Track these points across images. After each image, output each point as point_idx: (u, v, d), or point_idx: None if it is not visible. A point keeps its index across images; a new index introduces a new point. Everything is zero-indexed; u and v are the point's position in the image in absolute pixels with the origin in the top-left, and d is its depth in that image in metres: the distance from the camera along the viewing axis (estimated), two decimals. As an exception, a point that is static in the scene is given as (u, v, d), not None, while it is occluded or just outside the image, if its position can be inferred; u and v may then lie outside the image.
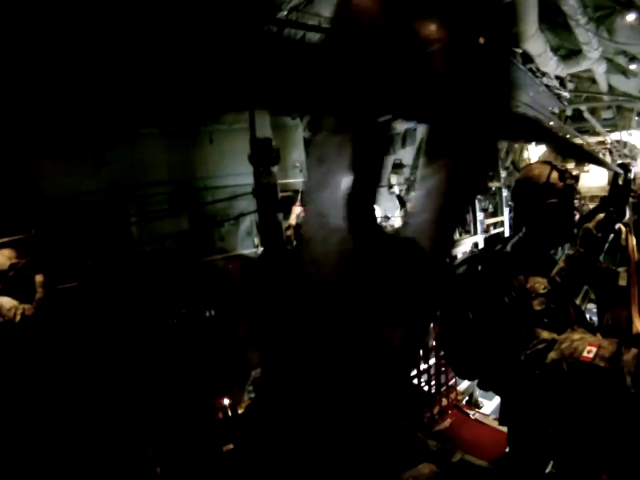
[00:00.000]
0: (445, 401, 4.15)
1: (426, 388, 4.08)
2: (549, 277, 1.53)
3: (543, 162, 2.02)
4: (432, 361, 4.23)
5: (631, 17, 5.13)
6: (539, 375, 1.27)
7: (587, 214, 1.70)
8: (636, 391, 1.03)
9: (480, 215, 5.13)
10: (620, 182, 1.68)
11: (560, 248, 2.28)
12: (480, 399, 4.62)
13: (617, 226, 2.62)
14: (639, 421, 1.02)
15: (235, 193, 5.93)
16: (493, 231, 6.16)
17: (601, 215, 1.52)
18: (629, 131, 11.55)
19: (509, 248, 2.06)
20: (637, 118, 10.66)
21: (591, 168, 11.80)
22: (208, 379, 3.12)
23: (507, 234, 5.92)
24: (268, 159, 2.61)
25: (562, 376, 1.19)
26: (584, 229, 1.53)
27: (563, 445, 1.82)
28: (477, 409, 4.28)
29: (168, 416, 3.26)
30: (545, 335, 1.34)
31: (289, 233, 5.23)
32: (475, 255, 2.39)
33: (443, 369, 4.34)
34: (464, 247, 4.54)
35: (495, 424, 3.82)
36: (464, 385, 4.52)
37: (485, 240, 4.83)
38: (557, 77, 8.54)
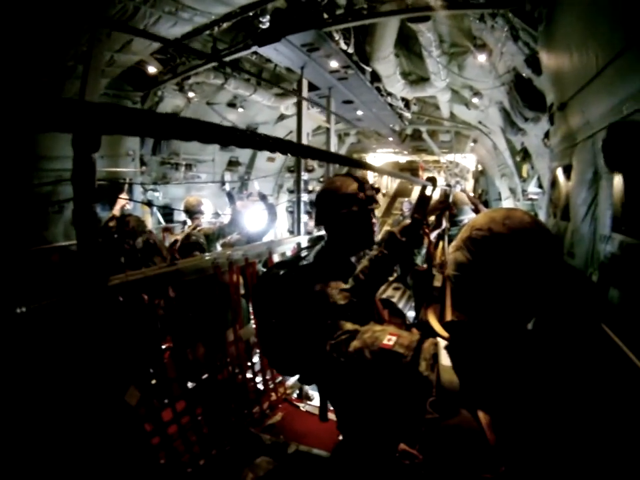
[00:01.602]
0: (274, 395, 4.23)
1: (253, 383, 4.12)
2: (354, 274, 1.63)
3: (346, 174, 2.15)
4: (256, 358, 4.32)
5: (481, 58, 5.61)
6: (343, 363, 1.32)
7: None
8: (428, 375, 1.14)
9: (304, 217, 5.42)
10: (427, 193, 1.79)
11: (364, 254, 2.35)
12: (310, 392, 4.81)
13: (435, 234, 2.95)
14: (427, 400, 1.11)
15: (60, 177, 5.40)
16: (317, 233, 6.50)
17: (407, 222, 1.64)
18: (463, 155, 13.00)
19: (311, 257, 2.17)
20: (471, 144, 11.78)
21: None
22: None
23: None
24: (88, 144, 2.41)
25: (364, 363, 1.26)
26: (389, 232, 1.64)
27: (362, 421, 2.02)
28: (307, 402, 4.39)
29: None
30: (349, 326, 1.41)
31: (112, 224, 4.98)
32: (283, 261, 2.47)
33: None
34: (287, 246, 4.74)
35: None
36: (292, 379, 4.64)
37: (309, 240, 5.13)
38: (403, 99, 9.27)
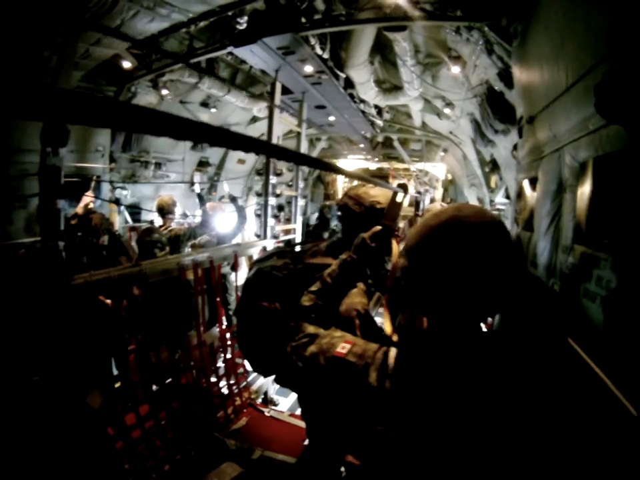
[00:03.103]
0: (238, 400, 4.19)
1: (217, 388, 4.09)
2: (321, 277, 1.61)
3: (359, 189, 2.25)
4: (220, 362, 4.28)
5: (455, 70, 5.67)
6: (301, 366, 1.33)
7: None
8: (378, 385, 1.13)
9: (271, 221, 5.44)
10: (398, 200, 1.83)
11: None
12: (275, 397, 4.78)
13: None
14: (376, 409, 1.13)
15: (26, 171, 5.22)
16: (284, 237, 6.53)
17: (378, 227, 1.64)
18: (433, 164, 13.19)
19: (323, 248, 2.23)
20: (442, 153, 11.93)
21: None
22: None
23: (298, 240, 6.28)
24: (57, 138, 2.35)
25: (319, 368, 1.26)
26: (360, 237, 1.62)
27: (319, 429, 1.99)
28: (272, 407, 4.36)
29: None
30: (311, 329, 1.41)
31: (73, 222, 4.85)
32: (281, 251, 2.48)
33: (240, 369, 4.45)
34: (254, 250, 4.74)
35: (291, 420, 4.03)
36: (257, 384, 4.62)
37: (285, 243, 5.15)
38: (376, 106, 9.35)
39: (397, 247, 1.61)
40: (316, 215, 8.47)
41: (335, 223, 7.90)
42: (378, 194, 2.19)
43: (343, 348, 1.26)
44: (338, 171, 1.32)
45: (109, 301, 3.50)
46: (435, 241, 1.10)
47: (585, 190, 1.97)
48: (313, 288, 1.58)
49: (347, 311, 1.74)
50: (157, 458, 3.19)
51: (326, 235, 7.76)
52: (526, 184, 3.21)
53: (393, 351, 1.21)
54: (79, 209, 5.21)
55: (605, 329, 1.66)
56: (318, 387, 1.34)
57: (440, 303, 1.11)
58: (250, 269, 2.38)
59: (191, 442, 3.47)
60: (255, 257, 4.63)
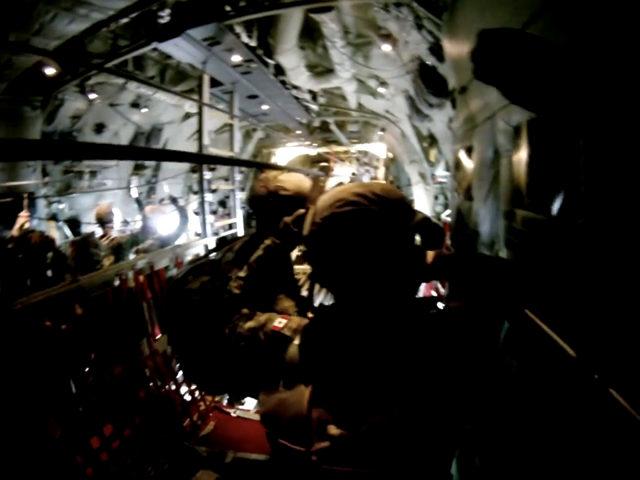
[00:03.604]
0: (202, 405, 4.09)
1: (178, 395, 3.96)
2: (248, 263, 1.61)
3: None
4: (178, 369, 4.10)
5: (386, 48, 5.70)
6: (240, 345, 1.37)
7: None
8: (302, 356, 1.21)
9: (210, 218, 5.34)
10: (320, 184, 1.83)
11: None
12: (240, 396, 4.72)
13: None
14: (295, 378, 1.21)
15: None
16: (224, 233, 6.44)
17: (301, 211, 1.59)
18: (372, 143, 13.33)
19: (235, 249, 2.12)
20: (380, 133, 12.10)
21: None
22: None
23: (241, 234, 6.20)
24: None
25: (258, 344, 1.32)
26: (283, 222, 1.60)
27: None
28: (238, 406, 4.26)
29: None
30: (245, 310, 1.45)
31: (10, 246, 4.59)
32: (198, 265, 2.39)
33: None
34: (195, 249, 4.62)
35: (258, 417, 4.00)
36: None
37: (217, 241, 5.07)
38: (310, 91, 9.26)
39: None
40: None
41: None
42: (286, 180, 2.07)
43: (279, 322, 1.32)
44: (268, 166, 1.31)
45: (48, 323, 3.32)
46: (321, 227, 1.17)
47: (521, 153, 1.98)
48: (241, 274, 1.58)
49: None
50: (130, 477, 3.09)
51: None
52: (462, 154, 3.24)
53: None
54: (14, 230, 4.94)
55: (552, 290, 1.68)
56: (257, 363, 1.36)
57: (332, 281, 1.21)
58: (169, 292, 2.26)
59: (161, 455, 3.36)
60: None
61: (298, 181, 2.07)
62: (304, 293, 1.98)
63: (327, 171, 2.32)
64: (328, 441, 1.10)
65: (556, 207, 1.62)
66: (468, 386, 1.14)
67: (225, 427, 3.86)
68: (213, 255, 2.46)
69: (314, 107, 10.13)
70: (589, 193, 1.35)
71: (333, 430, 1.10)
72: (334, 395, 1.14)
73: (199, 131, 5.38)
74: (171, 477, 3.20)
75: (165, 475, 3.23)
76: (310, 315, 1.43)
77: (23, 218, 5.23)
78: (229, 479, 3.11)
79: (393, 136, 11.11)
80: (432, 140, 7.18)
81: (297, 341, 1.25)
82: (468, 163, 3.08)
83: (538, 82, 1.29)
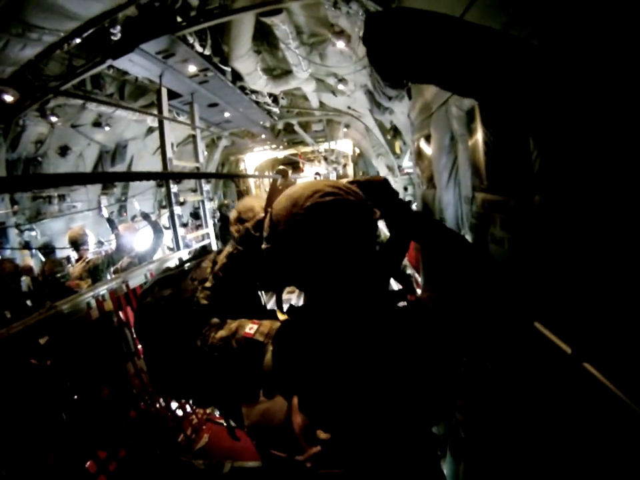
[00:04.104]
0: (195, 418, 4.09)
1: (170, 411, 3.94)
2: (213, 272, 1.59)
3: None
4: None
5: (340, 45, 5.71)
6: (213, 355, 1.34)
7: None
8: (276, 363, 1.20)
9: (181, 231, 5.31)
10: (278, 185, 1.87)
11: None
12: (232, 405, 4.69)
13: None
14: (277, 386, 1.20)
15: None
16: (197, 245, 6.39)
17: (261, 216, 1.57)
18: (338, 141, 13.36)
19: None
20: (344, 129, 12.16)
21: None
22: None
23: (214, 246, 6.16)
24: None
25: (231, 352, 1.29)
26: (244, 227, 1.59)
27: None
28: None
29: None
30: (215, 320, 1.42)
31: None
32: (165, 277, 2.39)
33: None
34: (170, 263, 4.58)
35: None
36: None
37: (195, 252, 5.07)
38: (270, 94, 9.23)
39: None
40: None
41: None
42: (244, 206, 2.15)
43: (250, 329, 1.30)
44: (234, 175, 1.29)
45: (34, 361, 3.27)
46: (287, 224, 1.16)
47: (476, 137, 2.02)
48: (207, 284, 1.56)
49: None
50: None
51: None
52: (423, 143, 3.28)
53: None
54: None
55: (512, 269, 1.72)
56: (231, 371, 1.34)
57: (311, 274, 1.16)
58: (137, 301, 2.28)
59: (159, 472, 3.34)
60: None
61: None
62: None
63: (283, 174, 2.30)
64: (319, 446, 1.09)
65: (513, 186, 1.67)
66: (439, 376, 1.16)
67: (220, 438, 3.85)
68: (187, 265, 2.43)
69: (276, 109, 10.10)
70: (542, 169, 1.40)
71: (322, 434, 1.09)
72: (315, 398, 1.13)
73: (162, 146, 5.33)
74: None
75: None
76: (281, 317, 1.40)
77: None
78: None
79: (357, 131, 11.17)
80: (395, 132, 7.25)
81: (271, 347, 1.23)
82: (428, 152, 3.12)
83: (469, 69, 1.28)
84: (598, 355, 1.16)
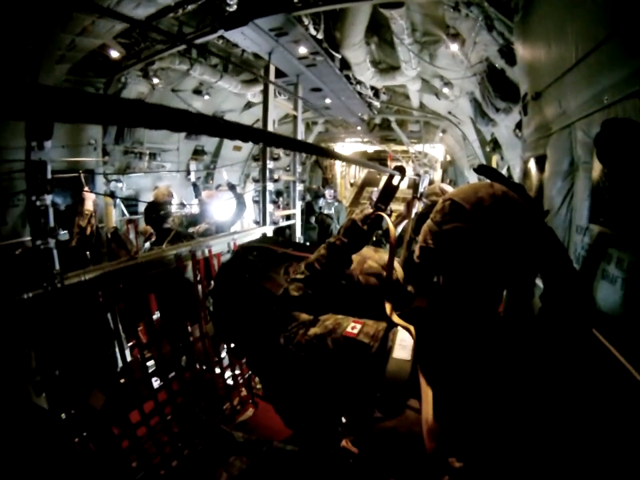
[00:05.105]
0: (244, 391, 4.14)
1: (222, 380, 4.04)
2: (307, 263, 1.49)
3: None
4: (224, 353, 4.22)
5: (454, 47, 5.55)
6: (298, 355, 1.21)
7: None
8: (414, 373, 1.07)
9: (270, 207, 5.34)
10: (394, 183, 1.79)
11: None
12: (282, 385, 4.74)
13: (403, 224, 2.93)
14: (390, 395, 1.06)
15: (11, 168, 5.09)
16: (283, 223, 6.46)
17: (369, 210, 1.56)
18: (431, 145, 13.09)
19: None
20: (440, 134, 11.83)
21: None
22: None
23: (298, 226, 6.19)
24: (41, 131, 2.24)
25: (326, 351, 1.16)
26: (351, 220, 1.53)
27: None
28: None
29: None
30: (304, 317, 1.30)
31: (83, 223, 4.82)
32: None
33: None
34: (252, 238, 4.61)
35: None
36: None
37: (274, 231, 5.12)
38: (372, 87, 9.17)
39: (393, 229, 1.49)
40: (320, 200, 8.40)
41: (319, 206, 8.17)
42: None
43: (353, 328, 1.17)
44: (334, 156, 1.25)
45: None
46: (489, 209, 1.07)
47: (602, 167, 1.88)
48: (299, 276, 1.44)
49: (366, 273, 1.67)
50: (164, 454, 3.16)
51: (312, 219, 7.82)
52: (532, 163, 3.11)
53: (402, 332, 1.15)
54: (89, 206, 5.11)
55: (624, 312, 1.59)
56: (322, 371, 1.20)
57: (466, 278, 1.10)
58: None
59: (198, 436, 3.43)
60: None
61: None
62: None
63: (402, 171, 2.24)
64: (447, 476, 0.93)
65: (633, 224, 1.54)
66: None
67: (264, 415, 3.90)
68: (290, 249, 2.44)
69: (376, 103, 10.02)
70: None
71: (456, 463, 0.94)
72: (458, 419, 0.98)
73: (264, 119, 5.40)
74: (204, 458, 3.26)
75: (199, 456, 3.31)
76: (395, 318, 1.22)
77: (92, 194, 5.41)
78: (262, 467, 3.11)
79: (453, 138, 10.87)
80: (495, 145, 6.96)
81: (398, 353, 1.08)
82: (538, 173, 2.96)
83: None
84: None
